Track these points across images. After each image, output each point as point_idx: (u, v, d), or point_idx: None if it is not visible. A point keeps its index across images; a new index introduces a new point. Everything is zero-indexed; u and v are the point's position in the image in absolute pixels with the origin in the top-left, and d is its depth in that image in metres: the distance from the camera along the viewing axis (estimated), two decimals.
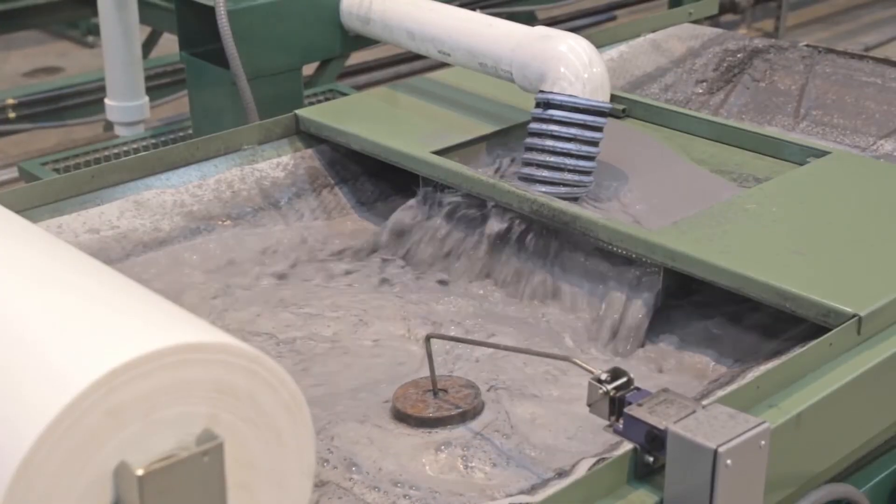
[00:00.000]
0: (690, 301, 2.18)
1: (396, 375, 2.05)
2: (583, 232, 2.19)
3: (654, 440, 1.48)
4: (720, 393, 1.70)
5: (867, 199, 2.25)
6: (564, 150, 2.39)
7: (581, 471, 1.56)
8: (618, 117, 2.74)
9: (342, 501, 1.71)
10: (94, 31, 6.53)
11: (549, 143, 2.39)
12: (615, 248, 2.15)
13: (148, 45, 5.55)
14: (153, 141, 3.85)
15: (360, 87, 5.28)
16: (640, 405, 1.51)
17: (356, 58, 5.51)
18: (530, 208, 2.27)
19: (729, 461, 1.40)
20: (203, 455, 1.14)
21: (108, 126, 4.58)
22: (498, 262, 2.35)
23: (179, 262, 2.38)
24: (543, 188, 2.37)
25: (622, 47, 3.22)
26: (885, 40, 7.15)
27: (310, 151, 2.67)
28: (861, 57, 3.18)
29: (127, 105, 4.04)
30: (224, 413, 1.18)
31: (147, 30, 5.32)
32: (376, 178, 2.69)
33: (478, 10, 2.77)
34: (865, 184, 2.32)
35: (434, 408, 1.90)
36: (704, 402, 1.51)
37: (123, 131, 4.07)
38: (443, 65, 2.81)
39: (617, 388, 1.55)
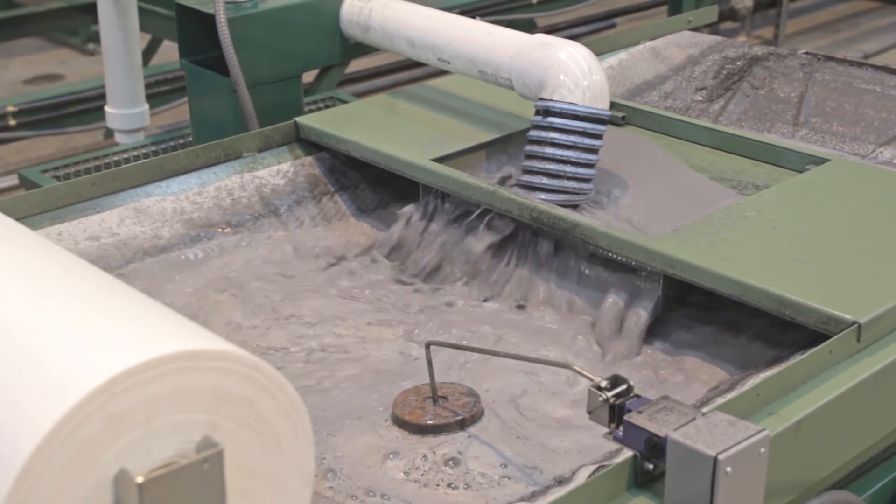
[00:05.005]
0: (690, 308, 2.18)
1: (397, 381, 2.05)
2: (583, 239, 2.19)
3: (653, 447, 1.48)
4: (720, 400, 1.70)
5: (866, 206, 2.25)
6: (564, 158, 2.39)
7: (581, 478, 1.56)
8: (617, 125, 2.74)
9: None
10: (95, 38, 6.55)
11: (549, 150, 2.40)
12: (615, 256, 2.15)
13: (148, 53, 5.56)
14: (153, 148, 3.85)
15: (360, 95, 5.29)
16: (639, 412, 1.51)
17: (356, 65, 5.51)
18: (530, 216, 2.27)
19: (729, 468, 1.40)
20: (203, 462, 1.14)
21: (109, 133, 4.58)
22: (497, 270, 2.35)
23: (179, 270, 2.38)
24: (543, 195, 2.38)
25: (622, 55, 3.22)
26: (885, 48, 7.16)
27: (310, 159, 2.68)
28: (860, 64, 3.18)
29: (127, 112, 4.04)
30: (224, 420, 1.18)
31: (147, 37, 5.33)
32: (376, 186, 2.69)
33: (477, 18, 2.77)
34: (865, 191, 2.32)
35: (432, 415, 1.90)
36: (704, 410, 1.51)
37: (123, 139, 4.07)
38: (443, 72, 2.81)
39: (617, 396, 1.55)
